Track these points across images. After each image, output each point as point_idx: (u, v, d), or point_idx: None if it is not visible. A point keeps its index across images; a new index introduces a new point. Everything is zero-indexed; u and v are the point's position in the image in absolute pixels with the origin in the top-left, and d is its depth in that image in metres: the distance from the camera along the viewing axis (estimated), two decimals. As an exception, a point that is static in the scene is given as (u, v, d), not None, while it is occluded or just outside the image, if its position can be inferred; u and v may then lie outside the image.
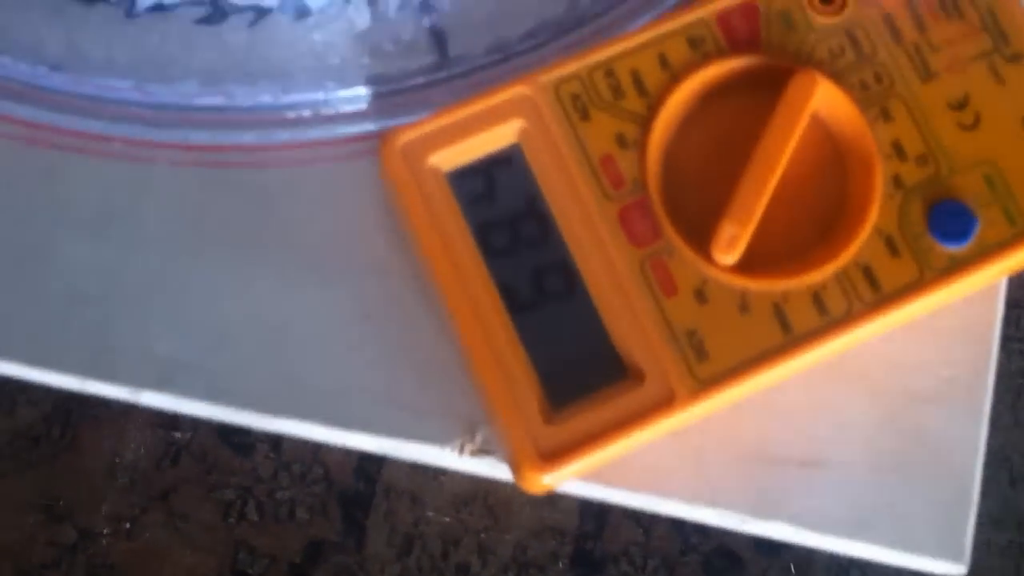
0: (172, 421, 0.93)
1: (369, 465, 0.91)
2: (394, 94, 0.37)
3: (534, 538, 0.90)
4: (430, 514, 0.91)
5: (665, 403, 0.33)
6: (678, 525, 0.87)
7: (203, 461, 0.93)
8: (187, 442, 0.93)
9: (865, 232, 0.34)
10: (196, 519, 0.93)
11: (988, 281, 0.34)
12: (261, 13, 0.35)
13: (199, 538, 0.93)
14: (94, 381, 0.36)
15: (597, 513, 0.89)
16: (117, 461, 0.94)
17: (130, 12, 0.34)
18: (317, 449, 0.91)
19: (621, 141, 0.34)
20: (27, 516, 0.93)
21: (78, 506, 0.93)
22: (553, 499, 0.90)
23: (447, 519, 0.90)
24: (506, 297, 0.33)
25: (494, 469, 0.36)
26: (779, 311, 0.33)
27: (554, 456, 0.32)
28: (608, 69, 0.34)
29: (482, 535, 0.90)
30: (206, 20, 0.35)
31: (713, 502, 0.36)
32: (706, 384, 0.33)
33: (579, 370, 0.33)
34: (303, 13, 0.35)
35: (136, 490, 0.93)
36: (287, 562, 0.92)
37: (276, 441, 0.93)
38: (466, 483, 0.89)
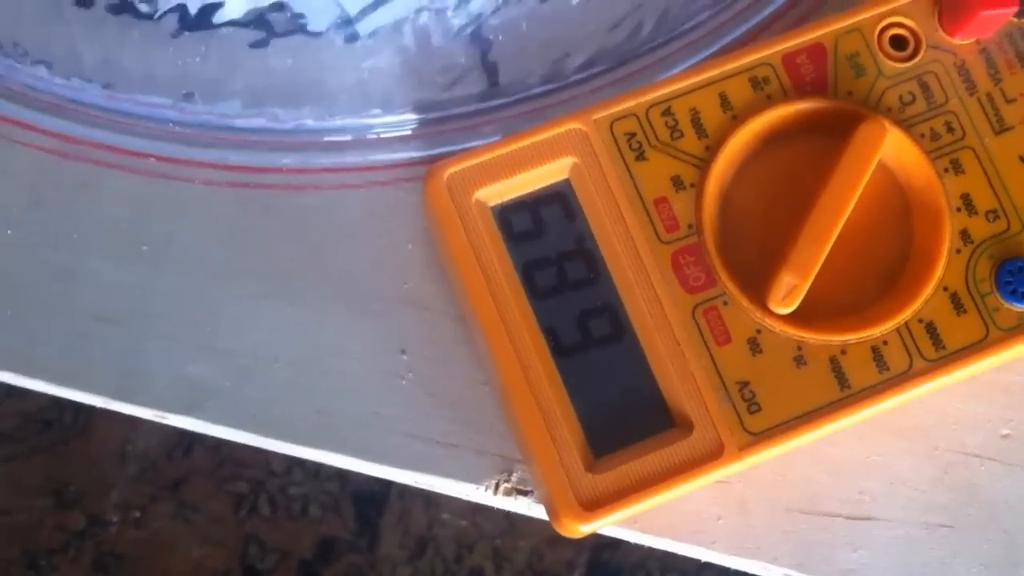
0: (186, 411, 0.92)
1: (384, 465, 0.90)
2: (441, 121, 0.36)
3: (550, 546, 0.89)
4: (445, 517, 0.90)
5: (713, 456, 0.32)
6: (696, 540, 0.86)
7: (216, 453, 0.92)
8: (200, 432, 0.92)
9: (930, 287, 0.32)
10: (207, 511, 0.92)
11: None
12: (310, 36, 0.34)
13: (209, 530, 0.92)
14: (120, 403, 0.35)
15: (614, 523, 0.88)
16: (129, 449, 0.93)
17: (176, 31, 0.33)
18: (332, 445, 0.90)
19: (677, 183, 0.33)
20: (36, 500, 0.92)
21: (88, 492, 0.92)
22: (569, 508, 0.88)
23: (462, 523, 0.89)
24: (550, 340, 0.32)
25: (529, 509, 0.35)
26: (836, 365, 0.32)
27: (594, 505, 0.31)
28: (666, 108, 0.33)
29: (497, 541, 0.89)
30: (254, 42, 0.33)
31: (757, 554, 0.35)
32: (757, 438, 0.32)
33: (623, 418, 0.32)
34: (351, 38, 0.34)
35: (147, 479, 0.92)
36: (297, 558, 0.91)
37: (291, 436, 0.92)
38: (482, 487, 0.88)
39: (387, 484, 0.91)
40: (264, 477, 0.92)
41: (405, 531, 0.90)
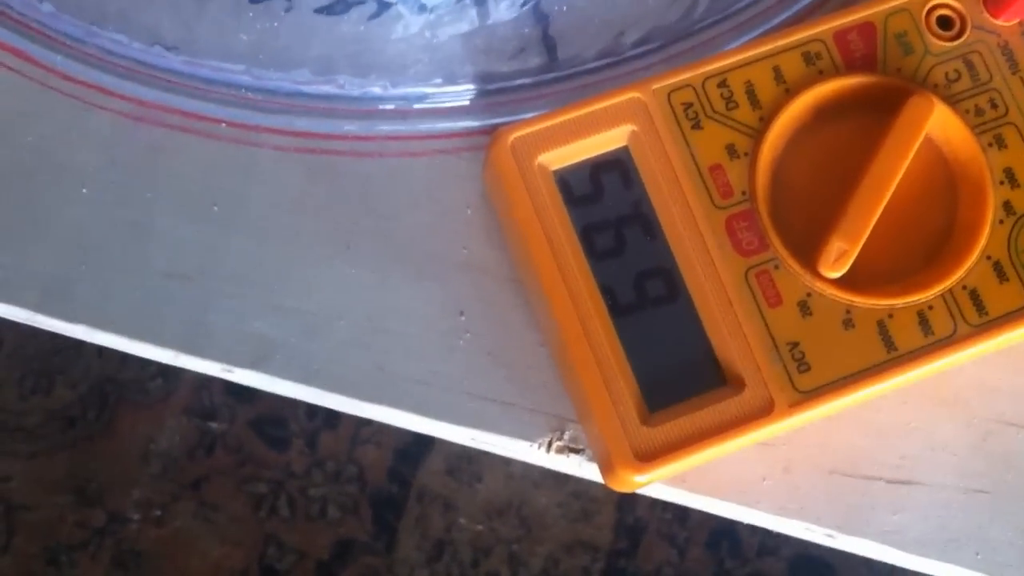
0: (208, 411, 0.93)
1: (403, 468, 0.91)
2: (500, 92, 0.37)
3: (566, 552, 0.90)
4: (462, 521, 0.90)
5: (764, 413, 0.33)
6: (713, 548, 0.87)
7: (237, 453, 0.93)
8: (222, 433, 0.93)
9: (973, 256, 0.34)
10: (227, 511, 0.93)
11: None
12: (383, 6, 0.35)
13: (229, 530, 0.93)
14: (189, 356, 0.36)
15: (632, 530, 0.88)
16: (151, 447, 0.94)
17: (258, -2, 0.34)
18: (352, 448, 0.91)
19: (731, 151, 0.34)
20: (58, 496, 0.93)
21: (109, 490, 0.93)
22: (589, 513, 0.90)
23: (479, 527, 0.90)
24: (608, 299, 0.34)
25: (580, 468, 0.37)
26: (883, 328, 0.33)
27: (649, 457, 0.33)
28: (722, 80, 0.35)
29: (514, 546, 0.90)
30: (329, 10, 0.35)
31: (800, 514, 0.36)
32: (806, 397, 0.33)
33: (678, 375, 0.33)
34: (420, 9, 0.35)
35: (168, 478, 0.93)
36: (315, 560, 0.92)
37: (311, 438, 0.93)
38: (500, 492, 0.89)
39: (406, 487, 0.92)
40: (284, 478, 0.93)
41: (422, 534, 0.91)
